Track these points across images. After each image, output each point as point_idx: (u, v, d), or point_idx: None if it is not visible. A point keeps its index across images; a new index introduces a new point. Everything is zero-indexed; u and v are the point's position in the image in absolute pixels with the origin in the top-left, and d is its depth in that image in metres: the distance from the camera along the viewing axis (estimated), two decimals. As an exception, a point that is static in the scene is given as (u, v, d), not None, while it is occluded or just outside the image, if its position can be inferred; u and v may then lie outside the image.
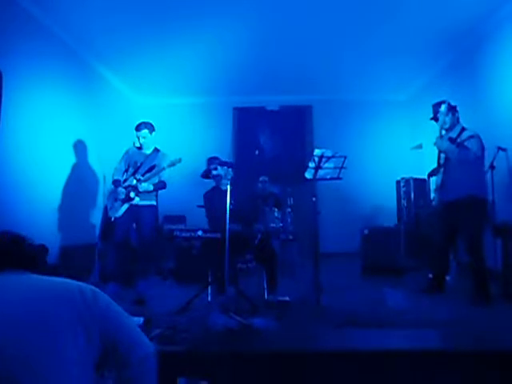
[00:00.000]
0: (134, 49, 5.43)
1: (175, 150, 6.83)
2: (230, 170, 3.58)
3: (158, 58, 5.75)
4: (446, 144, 3.51)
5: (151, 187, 3.79)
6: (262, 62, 5.92)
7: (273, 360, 2.23)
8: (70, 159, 5.07)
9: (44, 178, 4.54)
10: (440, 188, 3.62)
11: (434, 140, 3.66)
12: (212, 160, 3.70)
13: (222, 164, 3.56)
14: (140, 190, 3.74)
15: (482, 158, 3.51)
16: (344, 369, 2.19)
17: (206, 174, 3.65)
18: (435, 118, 3.66)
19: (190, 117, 7.40)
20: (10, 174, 3.97)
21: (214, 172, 3.58)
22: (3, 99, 3.73)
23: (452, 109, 3.60)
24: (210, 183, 3.89)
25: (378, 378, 2.17)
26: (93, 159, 5.50)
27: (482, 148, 3.46)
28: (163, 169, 3.73)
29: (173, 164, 3.69)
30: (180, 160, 3.70)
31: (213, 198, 3.64)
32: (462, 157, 3.41)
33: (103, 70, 6.11)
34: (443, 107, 3.53)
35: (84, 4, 4.34)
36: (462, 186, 3.42)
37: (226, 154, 7.00)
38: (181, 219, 6.27)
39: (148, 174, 3.77)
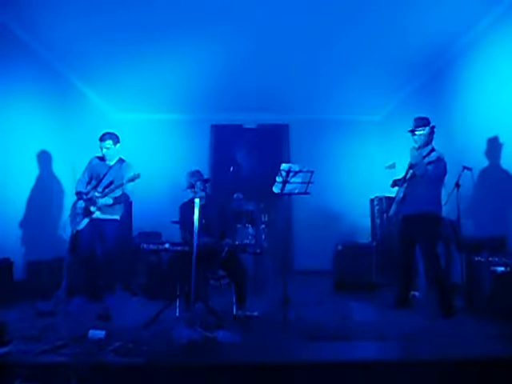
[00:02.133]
0: (112, 64, 5.50)
1: (152, 166, 6.89)
2: (205, 185, 3.62)
3: (137, 75, 5.82)
4: (419, 157, 3.59)
5: (110, 201, 3.74)
6: (240, 80, 6.05)
7: (235, 372, 2.21)
8: (44, 173, 5.03)
9: (15, 191, 4.50)
10: (401, 201, 3.76)
11: (409, 152, 3.73)
12: (194, 173, 3.71)
13: (201, 179, 3.59)
14: (98, 204, 3.69)
15: (442, 180, 3.69)
16: (309, 380, 2.19)
17: (191, 187, 3.63)
18: (412, 131, 3.74)
19: (167, 133, 7.45)
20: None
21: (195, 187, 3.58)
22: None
23: (431, 128, 3.72)
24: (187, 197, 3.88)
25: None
26: (67, 173, 5.44)
27: (444, 171, 3.64)
28: (122, 184, 3.68)
29: (132, 180, 3.63)
30: (139, 175, 3.64)
31: (189, 211, 3.62)
32: (429, 173, 3.53)
33: (81, 86, 6.15)
34: (427, 129, 3.66)
35: (62, 19, 4.40)
36: (421, 202, 3.58)
37: (202, 171, 7.03)
38: (156, 236, 6.20)
39: (107, 190, 3.72)
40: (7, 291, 3.89)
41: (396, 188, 3.97)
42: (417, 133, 3.70)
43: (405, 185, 3.76)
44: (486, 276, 3.29)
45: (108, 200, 3.72)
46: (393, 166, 6.70)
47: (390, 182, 4.12)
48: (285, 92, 6.53)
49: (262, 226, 5.37)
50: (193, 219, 3.11)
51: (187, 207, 3.69)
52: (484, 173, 4.36)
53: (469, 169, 4.24)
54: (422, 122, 3.71)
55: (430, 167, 3.54)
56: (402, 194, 3.75)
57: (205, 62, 5.44)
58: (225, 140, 7.47)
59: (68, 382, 1.88)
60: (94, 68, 5.62)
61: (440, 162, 3.57)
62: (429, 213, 3.57)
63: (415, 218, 3.61)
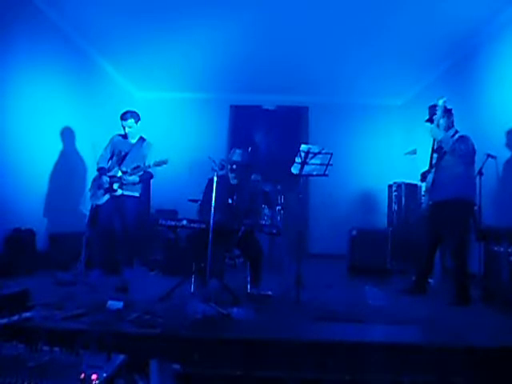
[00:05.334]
0: (134, 43, 5.49)
1: (171, 144, 6.91)
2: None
3: (159, 53, 5.79)
4: (442, 134, 3.50)
5: (137, 179, 3.80)
6: (261, 61, 5.97)
7: (246, 347, 2.26)
8: (67, 148, 5.14)
9: (41, 166, 4.64)
10: (430, 188, 3.65)
11: (429, 132, 3.64)
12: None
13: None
14: (124, 182, 3.75)
15: (472, 160, 3.52)
16: (317, 359, 2.23)
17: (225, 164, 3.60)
18: (430, 120, 3.65)
19: (187, 112, 7.45)
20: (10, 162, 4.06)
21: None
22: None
23: (447, 112, 3.61)
24: (204, 178, 3.89)
25: (350, 368, 2.21)
26: (88, 149, 5.53)
27: (473, 149, 3.48)
28: (148, 167, 3.72)
29: (158, 164, 3.67)
30: (166, 161, 3.67)
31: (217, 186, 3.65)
32: (455, 148, 3.40)
33: (104, 63, 6.18)
34: (439, 110, 3.51)
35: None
36: (451, 187, 3.46)
37: (221, 150, 7.05)
38: (172, 213, 6.29)
39: (135, 170, 3.78)
40: (30, 261, 4.03)
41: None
42: (434, 119, 3.57)
43: (432, 170, 3.64)
44: (504, 266, 3.24)
45: (135, 178, 3.77)
46: (413, 152, 6.58)
47: (409, 168, 4.06)
48: (306, 74, 6.42)
49: (277, 207, 5.38)
50: (219, 196, 3.14)
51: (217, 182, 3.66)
52: (509, 162, 4.24)
53: (493, 157, 4.15)
54: (436, 107, 3.57)
55: (457, 144, 3.41)
56: (431, 181, 3.62)
57: (227, 42, 5.38)
58: (243, 120, 7.43)
59: (87, 348, 1.94)
60: (116, 47, 5.63)
61: (466, 140, 3.44)
62: (459, 198, 3.44)
63: (445, 205, 3.49)
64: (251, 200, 3.69)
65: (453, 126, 3.65)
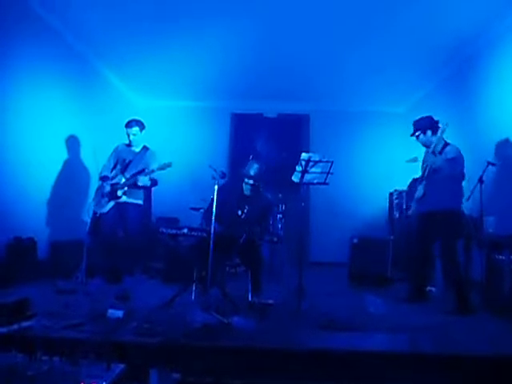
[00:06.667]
0: (135, 50, 5.52)
1: (172, 152, 6.93)
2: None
3: (159, 60, 5.83)
4: (439, 160, 3.51)
5: (149, 183, 3.80)
6: (262, 69, 6.00)
7: (247, 356, 2.25)
8: (69, 157, 5.16)
9: (43, 174, 4.66)
10: (420, 198, 3.70)
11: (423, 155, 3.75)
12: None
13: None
14: (139, 183, 3.76)
15: (462, 173, 3.60)
16: (319, 368, 2.21)
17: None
18: (416, 136, 3.75)
19: (188, 120, 7.47)
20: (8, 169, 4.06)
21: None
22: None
23: (433, 126, 3.66)
24: (205, 186, 3.89)
25: (352, 377, 2.19)
26: (89, 157, 5.55)
27: (463, 165, 3.56)
28: (152, 171, 3.74)
29: (162, 168, 3.69)
30: (170, 164, 3.69)
31: (228, 194, 3.66)
32: (447, 171, 3.47)
33: (105, 71, 6.22)
34: (428, 131, 3.64)
35: (87, 4, 4.44)
36: (442, 199, 3.52)
37: (222, 159, 7.08)
38: (174, 221, 6.29)
39: (138, 176, 3.79)
40: (31, 269, 4.03)
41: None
42: (419, 137, 3.71)
43: (424, 182, 3.68)
44: (506, 275, 3.23)
45: (147, 181, 3.78)
46: (415, 160, 6.56)
47: (411, 176, 4.07)
48: (307, 82, 6.45)
49: (278, 215, 5.38)
50: (229, 204, 3.13)
51: (228, 190, 3.70)
52: (509, 169, 4.24)
53: (493, 164, 4.14)
54: (421, 123, 3.70)
55: (447, 164, 3.46)
56: (422, 192, 3.67)
57: (227, 49, 5.40)
58: (245, 128, 7.46)
59: (86, 357, 1.94)
60: (118, 55, 5.67)
61: (457, 160, 3.49)
62: (450, 210, 3.51)
63: (436, 216, 3.54)
64: (262, 214, 3.71)
65: (441, 138, 3.65)
